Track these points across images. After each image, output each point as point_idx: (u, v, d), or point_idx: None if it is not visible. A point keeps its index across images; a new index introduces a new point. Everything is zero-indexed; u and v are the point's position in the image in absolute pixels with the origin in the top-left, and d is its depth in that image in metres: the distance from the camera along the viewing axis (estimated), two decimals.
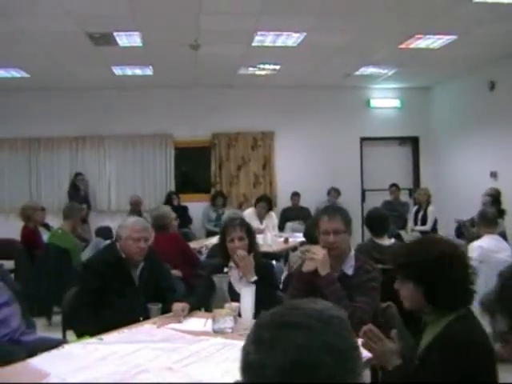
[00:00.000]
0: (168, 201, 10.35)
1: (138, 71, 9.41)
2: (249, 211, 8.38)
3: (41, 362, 2.74)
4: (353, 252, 3.31)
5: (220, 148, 11.14)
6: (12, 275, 6.80)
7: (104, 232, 9.72)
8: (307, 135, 11.18)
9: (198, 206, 10.74)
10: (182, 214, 9.79)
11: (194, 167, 11.88)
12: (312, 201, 10.67)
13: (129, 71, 9.41)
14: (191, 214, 10.42)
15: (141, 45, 7.58)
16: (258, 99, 10.93)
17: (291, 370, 0.99)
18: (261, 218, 8.26)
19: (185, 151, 11.31)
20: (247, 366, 1.06)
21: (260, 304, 3.21)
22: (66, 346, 3.01)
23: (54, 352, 2.90)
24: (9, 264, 7.48)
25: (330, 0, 6.12)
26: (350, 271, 3.22)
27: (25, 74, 9.41)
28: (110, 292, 3.68)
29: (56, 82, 10.26)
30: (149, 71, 9.43)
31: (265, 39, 7.54)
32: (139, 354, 2.76)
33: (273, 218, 8.52)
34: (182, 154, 11.29)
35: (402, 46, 7.93)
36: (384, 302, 3.32)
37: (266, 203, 8.42)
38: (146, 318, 3.48)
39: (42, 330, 5.32)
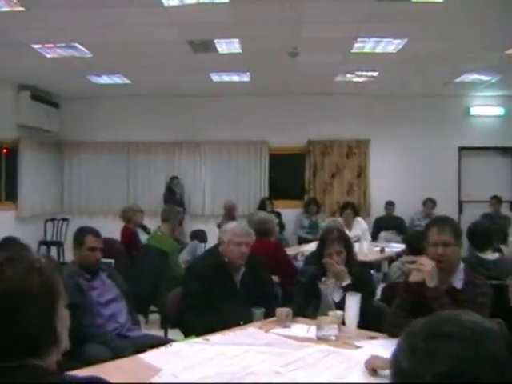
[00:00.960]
0: (261, 207, 10.45)
1: (235, 78, 9.56)
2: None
3: (152, 358, 2.85)
4: (462, 265, 3.21)
5: (314, 155, 11.14)
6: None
7: (199, 235, 9.93)
8: (403, 144, 10.97)
9: (290, 213, 10.77)
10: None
11: (287, 174, 11.92)
12: (406, 211, 10.47)
13: (226, 78, 9.58)
14: (284, 220, 10.46)
15: (240, 51, 7.70)
16: (354, 106, 10.83)
17: (448, 381, 0.99)
18: (348, 225, 8.08)
19: (279, 158, 11.37)
20: (400, 373, 1.06)
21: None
22: (175, 345, 3.11)
23: (163, 349, 3.00)
24: (109, 263, 7.79)
25: (433, 7, 6.00)
26: (459, 285, 3.14)
27: (126, 81, 9.80)
28: (213, 295, 3.76)
29: (155, 89, 10.61)
30: (246, 78, 9.56)
31: (364, 46, 7.48)
32: (246, 356, 2.81)
33: (361, 223, 8.30)
34: (276, 160, 11.35)
35: (510, 51, 7.61)
36: (492, 318, 3.22)
37: (351, 209, 8.28)
38: (247, 321, 3.53)
39: (149, 329, 5.50)
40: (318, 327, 3.15)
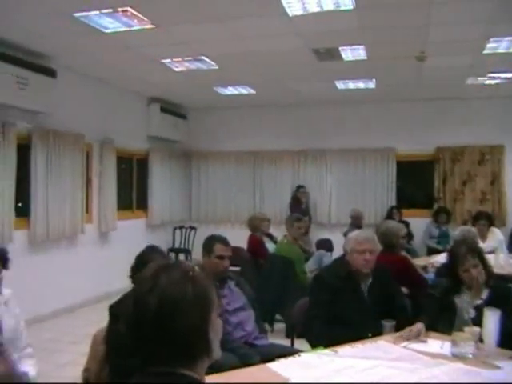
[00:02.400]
0: (389, 215, 10.20)
1: (360, 85, 9.43)
2: None
3: (280, 367, 2.83)
4: None
5: (444, 162, 10.71)
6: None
7: (325, 244, 9.86)
8: None
9: (418, 222, 10.41)
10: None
11: (415, 182, 11.56)
12: None
13: (351, 85, 9.47)
14: (412, 229, 10.13)
15: (365, 58, 7.57)
16: (487, 111, 10.30)
17: None
18: (482, 236, 7.62)
19: (406, 165, 11.05)
20: None
21: None
22: (303, 355, 3.07)
23: (290, 359, 2.97)
24: (235, 270, 7.92)
25: None
26: None
27: (251, 91, 9.95)
28: (340, 305, 3.68)
29: (280, 98, 10.71)
30: (371, 84, 9.40)
31: (498, 46, 7.10)
32: (376, 371, 2.72)
33: (497, 234, 7.80)
34: (403, 168, 11.04)
35: None
36: None
37: (485, 219, 7.83)
38: (375, 334, 3.42)
39: (275, 339, 5.51)
40: (453, 343, 2.98)
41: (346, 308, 3.67)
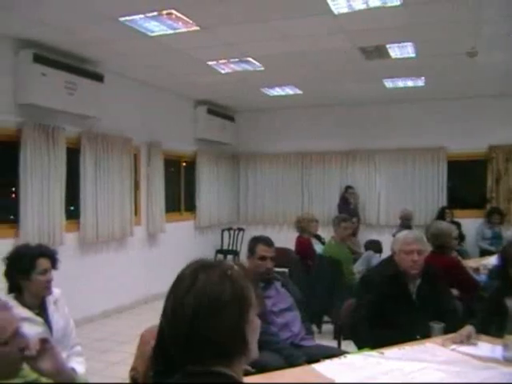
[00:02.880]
0: (440, 216, 9.99)
1: (409, 83, 9.27)
2: None
3: (325, 368, 2.79)
4: None
5: (497, 161, 10.41)
6: None
7: (374, 245, 9.73)
8: None
9: (470, 223, 10.16)
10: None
11: (466, 182, 11.28)
12: None
13: (400, 83, 9.31)
14: (463, 230, 9.89)
15: (413, 55, 7.43)
16: None
17: None
18: None
19: (458, 165, 10.78)
20: None
21: None
22: (349, 356, 3.02)
23: (336, 360, 2.92)
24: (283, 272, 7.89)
25: None
26: None
27: (298, 91, 9.89)
28: (388, 307, 3.60)
29: (327, 98, 10.63)
30: (420, 82, 9.22)
31: None
32: (423, 373, 2.65)
33: None
34: (454, 167, 10.78)
35: None
36: None
37: None
38: (424, 336, 3.34)
39: (321, 340, 5.45)
40: (505, 347, 2.88)
41: (394, 309, 3.59)
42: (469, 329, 3.22)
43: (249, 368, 3.09)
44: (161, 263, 8.88)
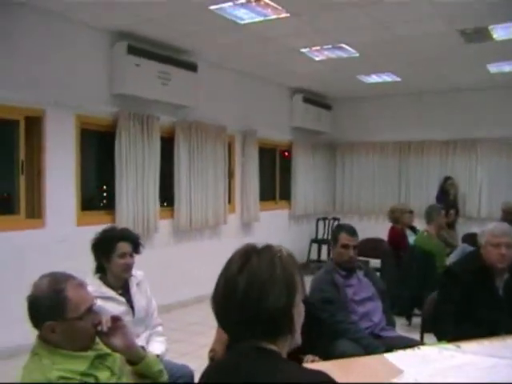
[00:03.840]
0: None
1: None
2: None
3: (397, 358, 2.76)
4: None
5: None
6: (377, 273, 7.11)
7: (471, 238, 9.37)
8: None
9: None
10: None
11: None
12: None
13: (506, 68, 8.84)
14: None
15: None
16: None
17: None
18: None
19: None
20: None
21: None
22: (423, 348, 2.96)
23: (409, 351, 2.88)
24: (375, 263, 7.80)
25: None
26: None
27: (396, 78, 9.68)
28: (472, 301, 3.49)
29: (426, 85, 10.33)
30: None
31: None
32: (498, 370, 2.55)
33: None
34: None
35: None
36: None
37: None
38: (508, 333, 3.20)
39: (402, 329, 5.37)
40: None
41: (478, 304, 3.47)
42: None
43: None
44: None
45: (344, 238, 3.96)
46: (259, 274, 1.53)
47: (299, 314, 1.58)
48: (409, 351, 2.88)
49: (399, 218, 7.78)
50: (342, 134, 11.82)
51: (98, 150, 7.30)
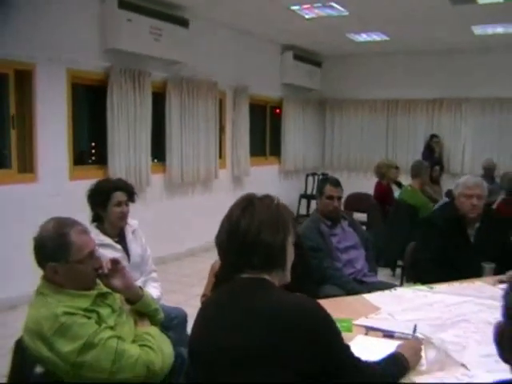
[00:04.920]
0: None
1: (499, 30, 8.96)
2: None
3: (375, 298, 3.04)
4: None
5: None
6: (363, 227, 7.43)
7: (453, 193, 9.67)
8: None
9: None
10: None
11: None
12: None
13: (490, 30, 9.03)
14: None
15: (501, 0, 7.19)
16: None
17: None
18: None
19: None
20: None
21: None
22: (398, 289, 3.24)
23: (386, 292, 3.17)
24: (362, 217, 8.07)
25: None
26: None
27: (385, 37, 9.82)
28: (447, 248, 3.76)
29: (414, 45, 10.47)
30: (511, 29, 8.90)
31: None
32: (464, 306, 2.85)
33: None
34: None
35: None
36: None
37: None
38: (478, 276, 3.49)
39: (386, 279, 5.66)
40: None
41: (453, 251, 3.75)
42: None
43: None
44: None
45: (329, 189, 4.19)
46: (259, 214, 1.81)
47: (290, 253, 1.87)
48: (386, 292, 3.17)
49: (385, 174, 8.02)
50: (332, 92, 11.99)
51: (90, 105, 7.36)
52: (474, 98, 10.76)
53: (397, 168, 8.36)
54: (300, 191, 11.37)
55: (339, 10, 7.82)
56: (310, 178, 11.49)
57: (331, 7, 7.71)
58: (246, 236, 1.77)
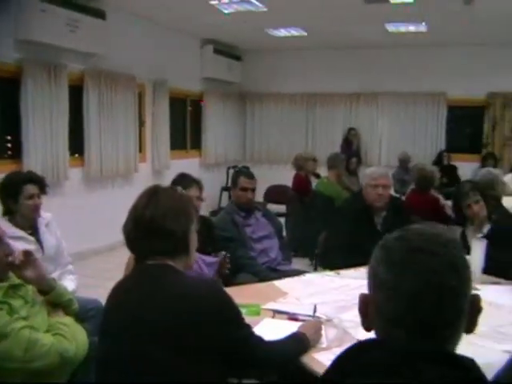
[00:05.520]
0: (439, 159, 10.31)
1: (411, 28, 9.32)
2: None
3: (284, 284, 3.17)
4: None
5: (495, 108, 10.58)
6: (283, 218, 7.64)
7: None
8: None
9: (467, 167, 10.36)
10: (451, 173, 9.73)
11: (465, 127, 11.54)
12: None
13: (402, 28, 9.37)
14: (460, 174, 10.12)
15: (412, 1, 7.49)
16: None
17: (423, 291, 1.12)
18: None
19: (457, 110, 11.04)
20: (380, 284, 1.21)
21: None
22: (307, 275, 3.39)
23: (296, 278, 3.31)
24: (281, 208, 8.26)
25: None
26: None
27: (303, 33, 10.01)
28: (357, 236, 3.94)
29: (332, 41, 10.73)
30: (422, 28, 9.26)
31: None
32: (364, 289, 3.00)
33: None
34: (454, 113, 11.03)
35: None
36: None
37: None
38: None
39: (303, 267, 5.83)
40: None
41: (361, 239, 3.92)
42: None
43: None
44: None
45: (243, 181, 4.31)
46: (164, 203, 1.93)
47: (193, 241, 1.99)
48: (295, 278, 3.32)
49: (302, 166, 8.25)
50: (253, 85, 12.12)
51: (2, 98, 7.05)
52: (390, 92, 11.16)
53: (314, 160, 8.60)
54: (221, 184, 11.44)
55: (257, 5, 7.91)
56: (232, 171, 11.56)
57: (249, 3, 7.79)
58: (151, 224, 1.88)
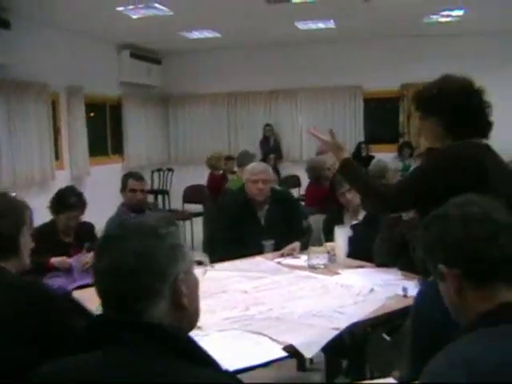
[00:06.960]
0: (357, 151, 10.62)
1: (320, 25, 9.60)
2: None
3: None
4: None
5: (409, 99, 10.95)
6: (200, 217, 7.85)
7: (291, 180, 10.32)
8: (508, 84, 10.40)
9: (385, 157, 10.68)
10: (369, 163, 10.00)
11: (382, 118, 11.96)
12: None
13: (312, 26, 9.63)
14: None
15: (313, 0, 7.74)
16: (448, 48, 10.39)
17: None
18: None
19: (374, 102, 11.50)
20: None
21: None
22: None
23: None
24: (197, 208, 8.40)
25: None
26: None
27: (217, 34, 10.17)
28: (240, 230, 4.12)
29: (247, 40, 10.93)
30: (331, 25, 9.55)
31: None
32: (231, 279, 3.21)
33: None
34: (370, 105, 11.47)
35: None
36: None
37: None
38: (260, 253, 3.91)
39: None
40: (308, 257, 3.44)
41: (244, 231, 4.12)
42: (294, 245, 3.78)
43: None
44: (88, 205, 9.19)
45: (132, 183, 4.49)
46: None
47: (26, 244, 2.12)
48: None
49: (215, 165, 8.43)
50: (174, 87, 12.22)
51: None
52: (308, 88, 11.46)
53: (229, 159, 8.75)
54: (146, 187, 11.45)
55: (163, 10, 8.00)
56: (156, 174, 11.62)
57: (155, 8, 7.88)
58: None
